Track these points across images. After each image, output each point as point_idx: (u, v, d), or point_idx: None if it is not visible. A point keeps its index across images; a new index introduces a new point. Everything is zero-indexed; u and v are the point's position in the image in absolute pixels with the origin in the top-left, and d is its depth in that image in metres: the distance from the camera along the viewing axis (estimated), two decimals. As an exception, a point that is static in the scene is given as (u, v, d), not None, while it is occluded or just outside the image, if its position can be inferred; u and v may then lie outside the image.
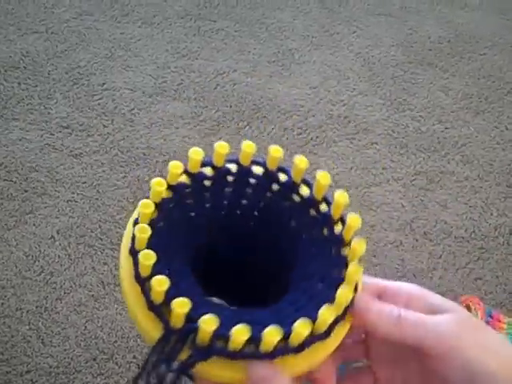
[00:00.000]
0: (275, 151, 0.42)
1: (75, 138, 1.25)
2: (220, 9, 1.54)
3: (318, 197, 0.42)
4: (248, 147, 0.42)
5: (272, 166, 0.43)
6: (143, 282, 0.36)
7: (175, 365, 0.35)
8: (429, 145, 1.29)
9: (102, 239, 1.10)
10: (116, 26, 1.47)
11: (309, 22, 1.53)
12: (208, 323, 0.34)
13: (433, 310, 0.40)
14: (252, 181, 0.43)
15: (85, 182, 1.18)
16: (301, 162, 0.42)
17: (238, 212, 0.43)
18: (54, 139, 1.24)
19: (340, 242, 0.40)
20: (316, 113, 1.34)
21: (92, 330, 1.00)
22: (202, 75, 1.39)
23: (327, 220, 0.41)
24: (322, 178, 0.41)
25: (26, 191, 1.16)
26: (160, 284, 0.35)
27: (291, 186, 0.42)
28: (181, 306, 0.34)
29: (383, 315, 0.39)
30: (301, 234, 0.42)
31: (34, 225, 1.12)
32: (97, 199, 1.16)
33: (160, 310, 0.36)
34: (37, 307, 1.02)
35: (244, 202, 0.43)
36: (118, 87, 1.34)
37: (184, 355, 0.35)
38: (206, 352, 0.35)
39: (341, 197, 0.41)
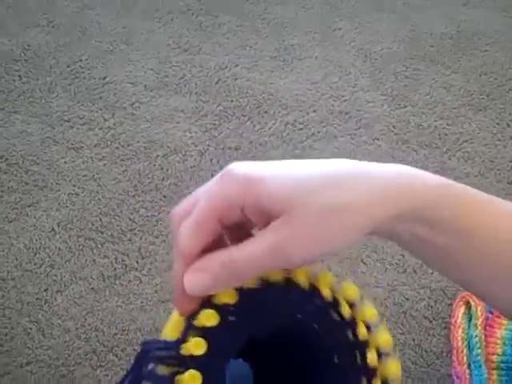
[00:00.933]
0: (352, 291, 0.42)
1: (76, 132, 1.25)
2: (222, 3, 1.54)
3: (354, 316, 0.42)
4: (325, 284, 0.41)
5: (328, 294, 0.42)
6: None
7: None
8: (430, 141, 1.29)
9: (102, 232, 1.10)
10: (118, 20, 1.47)
11: (311, 18, 1.53)
12: None
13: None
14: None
15: (85, 175, 1.18)
16: (350, 289, 0.42)
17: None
18: (55, 132, 1.24)
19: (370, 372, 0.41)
20: (317, 108, 1.34)
21: (92, 322, 1.00)
22: (204, 70, 1.39)
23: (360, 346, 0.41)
24: (351, 290, 0.42)
25: (26, 184, 1.16)
26: None
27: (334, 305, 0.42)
28: None
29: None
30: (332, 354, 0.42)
31: (35, 217, 1.12)
32: (97, 192, 1.16)
33: None
34: (37, 299, 1.02)
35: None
36: (119, 81, 1.34)
37: None
38: None
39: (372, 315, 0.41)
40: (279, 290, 0.39)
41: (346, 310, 0.41)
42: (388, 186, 0.39)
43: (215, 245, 0.39)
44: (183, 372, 0.36)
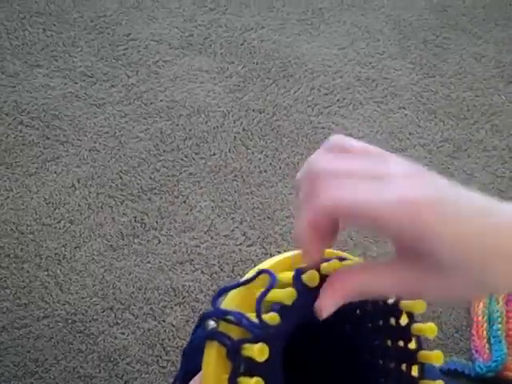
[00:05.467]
0: (431, 330, 0.41)
1: (99, 88, 1.23)
2: (250, -37, 1.51)
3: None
4: None
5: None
6: None
7: None
8: (458, 112, 1.26)
9: (122, 190, 1.10)
10: (144, -24, 1.44)
11: (341, -19, 1.49)
12: None
13: None
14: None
15: (107, 132, 1.17)
16: (430, 330, 0.42)
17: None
18: (78, 88, 1.23)
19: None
20: (344, 74, 1.31)
21: (110, 280, 1.00)
22: (229, 30, 1.36)
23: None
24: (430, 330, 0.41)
25: (48, 138, 1.15)
26: None
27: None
28: None
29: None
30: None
31: (55, 172, 1.11)
32: (118, 150, 1.15)
33: None
34: (56, 254, 1.02)
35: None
36: (143, 38, 1.32)
37: None
38: None
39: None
40: None
41: (403, 319, 0.41)
42: None
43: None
44: (252, 342, 0.36)
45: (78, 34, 1.31)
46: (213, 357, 0.38)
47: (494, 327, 0.90)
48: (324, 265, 0.38)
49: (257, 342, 0.36)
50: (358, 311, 0.40)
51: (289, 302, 0.36)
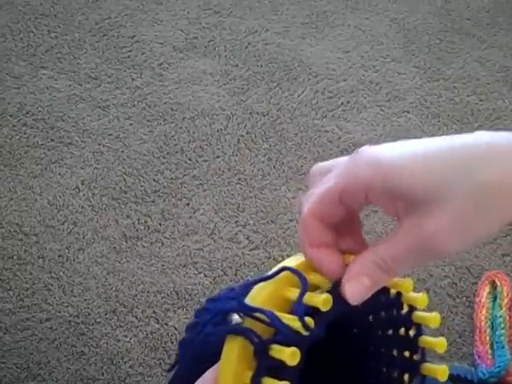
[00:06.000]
0: (434, 320, 0.42)
1: (103, 90, 1.23)
2: (255, -34, 1.51)
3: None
4: None
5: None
6: None
7: None
8: (462, 116, 1.26)
9: (126, 192, 1.10)
10: (148, -22, 1.44)
11: (345, -16, 1.49)
12: None
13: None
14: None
15: (111, 134, 1.17)
16: (439, 344, 0.42)
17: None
18: (82, 90, 1.23)
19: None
20: (347, 77, 1.31)
21: (113, 282, 1.00)
22: (234, 33, 1.36)
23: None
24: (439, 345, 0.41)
25: (52, 140, 1.15)
26: None
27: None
28: None
29: None
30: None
31: (59, 174, 1.11)
32: (122, 152, 1.15)
33: None
34: (59, 256, 1.02)
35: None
36: (147, 40, 1.32)
37: None
38: None
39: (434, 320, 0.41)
40: None
41: (405, 309, 0.41)
42: None
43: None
44: (281, 343, 0.36)
45: (83, 36, 1.31)
46: (235, 353, 0.37)
47: (497, 333, 0.90)
48: None
49: (287, 344, 0.35)
50: (370, 317, 0.40)
51: (325, 308, 0.36)
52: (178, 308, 0.98)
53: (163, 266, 1.02)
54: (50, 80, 1.23)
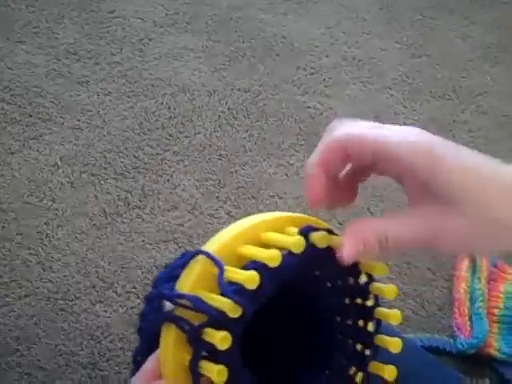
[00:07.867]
0: (391, 292, 0.41)
1: (82, 65, 1.22)
2: None
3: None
4: None
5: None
6: None
7: None
8: (443, 92, 1.26)
9: (105, 168, 1.09)
10: (129, -47, 1.42)
11: (328, -40, 1.48)
12: None
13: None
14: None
15: (90, 111, 1.16)
16: (389, 290, 0.41)
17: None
18: (61, 65, 1.21)
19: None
20: (330, 53, 1.30)
21: (93, 258, 0.99)
22: (215, 8, 1.35)
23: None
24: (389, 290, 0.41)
25: (30, 116, 1.14)
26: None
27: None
28: None
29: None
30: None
31: (38, 150, 1.10)
32: (102, 128, 1.14)
33: None
34: (38, 233, 1.01)
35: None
36: (128, 16, 1.31)
37: None
38: None
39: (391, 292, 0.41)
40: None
41: (362, 278, 0.41)
42: None
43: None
44: (212, 325, 0.35)
45: (62, 11, 1.29)
46: (171, 340, 0.37)
47: (476, 305, 0.91)
48: (314, 235, 0.37)
49: (217, 325, 0.35)
50: (317, 272, 0.40)
51: (273, 264, 0.36)
52: (159, 283, 0.97)
53: (143, 241, 1.01)
54: (28, 55, 1.22)
